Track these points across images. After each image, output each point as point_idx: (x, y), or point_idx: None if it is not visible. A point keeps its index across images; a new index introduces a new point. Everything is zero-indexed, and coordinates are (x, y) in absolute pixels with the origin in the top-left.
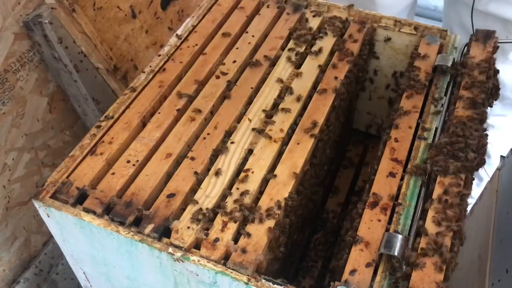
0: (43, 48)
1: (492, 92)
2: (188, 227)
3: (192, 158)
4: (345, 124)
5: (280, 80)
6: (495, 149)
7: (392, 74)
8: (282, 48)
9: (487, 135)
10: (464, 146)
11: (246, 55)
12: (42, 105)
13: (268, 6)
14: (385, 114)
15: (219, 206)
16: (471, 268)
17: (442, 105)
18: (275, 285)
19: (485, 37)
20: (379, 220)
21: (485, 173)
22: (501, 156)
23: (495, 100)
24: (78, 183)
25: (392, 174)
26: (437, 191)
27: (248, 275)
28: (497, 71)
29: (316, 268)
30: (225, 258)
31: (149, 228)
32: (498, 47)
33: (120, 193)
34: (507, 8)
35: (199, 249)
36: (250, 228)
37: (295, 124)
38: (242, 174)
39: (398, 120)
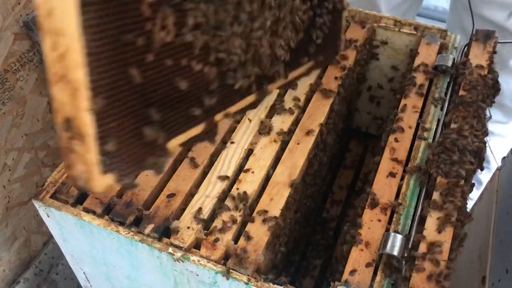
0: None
1: (493, 92)
2: (188, 227)
3: (192, 158)
4: (345, 124)
5: None
6: (495, 155)
7: (391, 67)
8: None
9: (487, 134)
10: (464, 147)
11: None
12: (42, 105)
13: None
14: (385, 114)
15: (219, 206)
16: (471, 268)
17: (442, 105)
18: (275, 285)
19: (485, 37)
20: (379, 220)
21: (485, 177)
22: (502, 157)
23: (494, 100)
24: None
25: (392, 174)
26: (437, 191)
27: (248, 275)
28: (496, 73)
29: (316, 268)
30: (225, 258)
31: (149, 228)
32: (496, 52)
33: (120, 193)
34: (500, 13)
35: (199, 249)
36: (250, 228)
37: (295, 124)
38: (242, 174)
39: (398, 120)
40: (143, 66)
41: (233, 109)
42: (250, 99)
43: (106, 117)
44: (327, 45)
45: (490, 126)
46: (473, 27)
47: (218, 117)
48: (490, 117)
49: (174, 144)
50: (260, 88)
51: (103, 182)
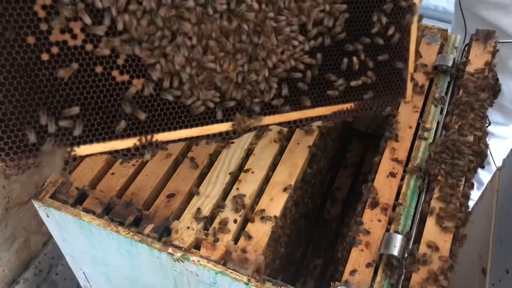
0: None
1: (493, 91)
2: (188, 227)
3: (192, 158)
4: (345, 124)
5: None
6: (496, 157)
7: None
8: None
9: (487, 133)
10: (464, 146)
11: None
12: None
13: None
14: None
15: (219, 206)
16: (471, 268)
17: (442, 104)
18: (275, 285)
19: (486, 36)
20: (379, 220)
21: (485, 178)
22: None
23: (494, 100)
24: (77, 183)
25: (392, 174)
26: (438, 191)
27: (248, 275)
28: (496, 73)
29: (316, 268)
30: (225, 258)
31: (149, 228)
32: (498, 50)
33: (120, 193)
34: (496, 14)
35: (199, 249)
36: (250, 228)
37: None
38: (242, 174)
39: (398, 120)
40: (38, 63)
41: (185, 133)
42: (220, 127)
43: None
44: (384, 84)
45: (491, 128)
46: (465, 27)
47: (160, 136)
48: (489, 123)
49: (86, 151)
50: (232, 117)
51: None
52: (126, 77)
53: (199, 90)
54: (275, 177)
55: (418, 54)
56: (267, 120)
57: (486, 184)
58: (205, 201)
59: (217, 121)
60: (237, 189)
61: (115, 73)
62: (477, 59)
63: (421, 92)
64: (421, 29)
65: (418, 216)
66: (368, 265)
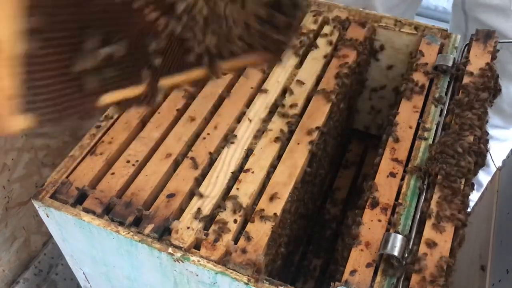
0: None
1: (493, 91)
2: (188, 227)
3: (192, 158)
4: (345, 124)
5: (280, 80)
6: (495, 159)
7: (392, 67)
8: None
9: (488, 133)
10: (465, 146)
11: None
12: None
13: None
14: (385, 114)
15: (219, 206)
16: (471, 268)
17: (442, 105)
18: (275, 286)
19: (486, 36)
20: (379, 220)
21: (485, 179)
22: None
23: (494, 100)
24: (77, 183)
25: (392, 174)
26: (438, 191)
27: (248, 275)
28: (496, 72)
29: (316, 268)
30: (225, 258)
31: (149, 228)
32: (498, 50)
33: (120, 193)
34: (494, 17)
35: (199, 249)
36: (250, 228)
37: (295, 124)
38: (242, 174)
39: (398, 120)
40: None
41: (179, 78)
42: (200, 72)
43: (40, 41)
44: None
45: (490, 131)
46: (466, 27)
47: (162, 82)
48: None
49: (107, 100)
50: (212, 63)
51: (17, 124)
52: (155, 14)
53: (208, 34)
54: (275, 177)
55: None
56: (226, 65)
57: (485, 185)
58: (205, 201)
59: (202, 67)
60: (237, 189)
61: (148, 9)
62: (477, 59)
63: (421, 92)
64: (421, 30)
65: (418, 216)
66: (368, 265)
